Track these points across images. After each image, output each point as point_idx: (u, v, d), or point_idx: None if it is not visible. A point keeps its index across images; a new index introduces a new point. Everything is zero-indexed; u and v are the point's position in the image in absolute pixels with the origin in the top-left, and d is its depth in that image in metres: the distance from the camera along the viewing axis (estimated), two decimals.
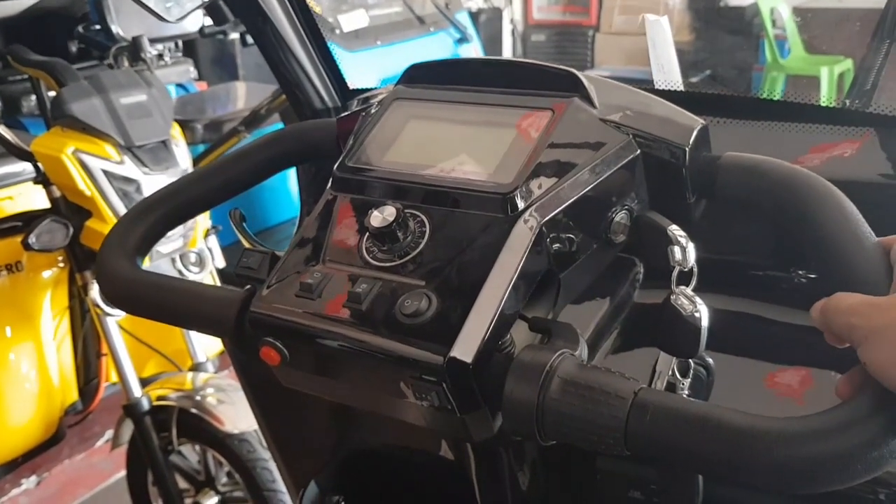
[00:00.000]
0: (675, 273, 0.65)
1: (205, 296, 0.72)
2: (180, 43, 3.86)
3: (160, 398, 1.97)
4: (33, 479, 2.54)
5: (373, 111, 0.75)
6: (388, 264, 0.63)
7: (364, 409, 0.69)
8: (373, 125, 0.73)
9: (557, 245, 0.64)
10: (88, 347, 2.23)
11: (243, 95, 3.76)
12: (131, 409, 1.94)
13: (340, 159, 0.71)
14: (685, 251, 0.64)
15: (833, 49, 4.43)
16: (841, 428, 0.48)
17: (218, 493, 2.07)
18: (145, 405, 1.95)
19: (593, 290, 0.79)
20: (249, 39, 2.50)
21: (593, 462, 0.77)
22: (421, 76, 0.76)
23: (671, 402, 0.52)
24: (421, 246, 0.63)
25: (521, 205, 0.62)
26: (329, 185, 0.71)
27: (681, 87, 1.03)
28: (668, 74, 1.02)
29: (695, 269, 0.65)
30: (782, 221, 0.63)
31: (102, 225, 1.86)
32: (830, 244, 0.57)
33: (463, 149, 0.68)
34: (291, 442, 1.10)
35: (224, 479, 2.07)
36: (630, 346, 0.81)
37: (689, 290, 0.65)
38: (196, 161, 2.68)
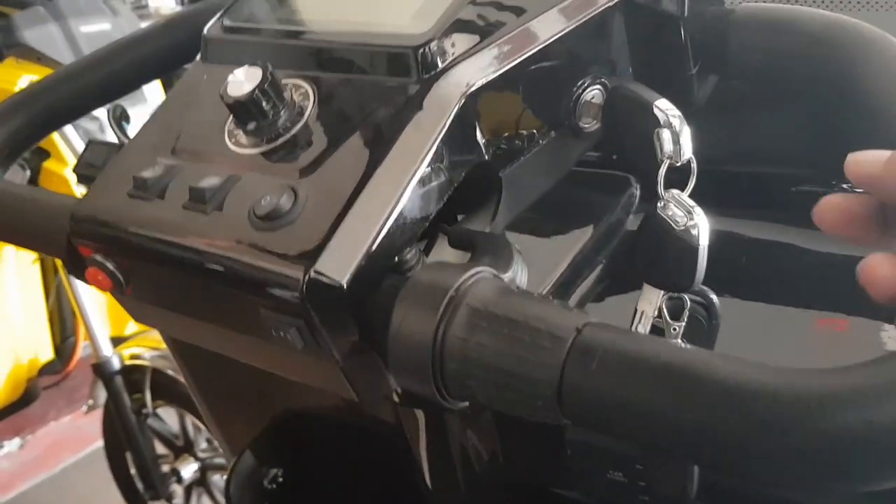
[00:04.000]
0: (662, 170, 0.46)
1: (38, 204, 0.54)
2: None
3: (133, 357, 1.84)
4: (16, 441, 2.41)
5: None
6: (252, 150, 0.45)
7: (231, 357, 0.51)
8: None
9: (495, 127, 0.45)
10: (63, 303, 2.09)
11: None
12: (100, 369, 1.81)
13: (212, 20, 0.53)
14: (678, 137, 0.45)
15: None
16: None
17: (197, 459, 1.93)
18: (116, 364, 1.81)
19: (572, 215, 0.61)
20: None
21: (562, 436, 0.58)
22: None
23: (631, 345, 0.33)
24: (299, 125, 0.45)
25: (438, 63, 0.43)
26: (199, 54, 0.53)
27: None
28: None
29: (693, 165, 0.46)
30: (820, 92, 0.44)
31: (61, 166, 1.71)
32: (889, 113, 0.38)
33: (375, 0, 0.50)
34: (222, 404, 0.94)
35: (203, 445, 1.93)
36: (619, 286, 0.62)
37: (683, 196, 0.46)
38: None
